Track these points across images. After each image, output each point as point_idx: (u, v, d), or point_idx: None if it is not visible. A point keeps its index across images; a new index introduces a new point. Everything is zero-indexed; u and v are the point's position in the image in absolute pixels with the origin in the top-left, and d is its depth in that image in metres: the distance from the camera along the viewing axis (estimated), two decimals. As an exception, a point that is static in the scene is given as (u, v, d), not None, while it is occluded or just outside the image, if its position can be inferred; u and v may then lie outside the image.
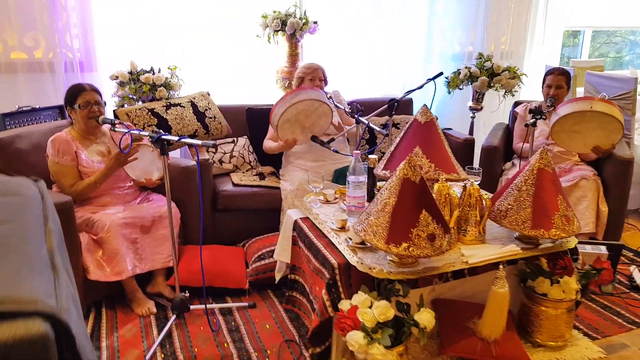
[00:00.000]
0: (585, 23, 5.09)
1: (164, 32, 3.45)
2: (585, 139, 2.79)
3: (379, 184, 2.43)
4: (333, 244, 2.03)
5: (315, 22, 3.51)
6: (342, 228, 2.14)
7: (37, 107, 2.95)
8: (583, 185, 2.88)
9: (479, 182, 2.36)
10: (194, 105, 3.10)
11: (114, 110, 2.94)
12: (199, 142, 1.85)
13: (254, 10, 3.53)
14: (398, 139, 2.23)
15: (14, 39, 3.18)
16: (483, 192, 2.43)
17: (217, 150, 3.12)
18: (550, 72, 3.05)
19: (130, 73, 3.08)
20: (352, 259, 1.89)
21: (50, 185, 2.44)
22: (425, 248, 1.75)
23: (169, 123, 2.94)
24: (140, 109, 2.93)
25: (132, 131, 2.14)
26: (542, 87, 3.12)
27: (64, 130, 2.46)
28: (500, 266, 1.92)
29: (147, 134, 2.04)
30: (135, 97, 3.06)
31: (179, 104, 3.05)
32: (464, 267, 1.91)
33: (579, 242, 2.36)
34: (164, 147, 2.01)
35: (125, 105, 3.06)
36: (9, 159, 2.39)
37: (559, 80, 3.01)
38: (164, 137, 1.96)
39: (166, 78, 3.12)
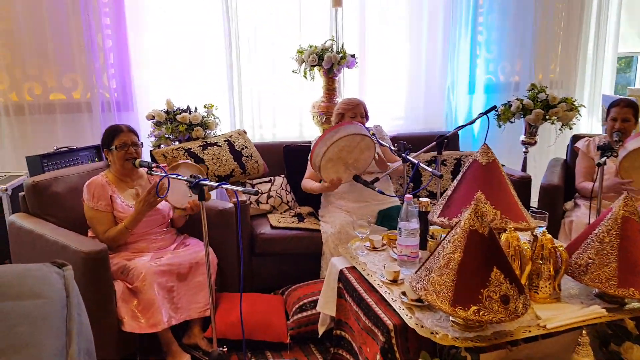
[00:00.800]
0: (638, 47, 4.82)
1: (200, 71, 3.40)
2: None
3: (431, 228, 2.22)
4: (385, 301, 1.82)
5: (353, 56, 3.39)
6: (394, 281, 1.92)
7: (75, 147, 2.90)
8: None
9: (544, 227, 2.12)
10: (230, 144, 2.98)
11: (150, 151, 2.85)
12: (240, 188, 1.70)
13: (289, 46, 3.44)
14: (456, 182, 2.03)
15: (53, 80, 3.18)
16: (557, 241, 2.19)
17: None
18: (615, 103, 2.80)
19: (167, 112, 3.00)
20: (410, 321, 1.66)
21: (86, 231, 2.35)
22: (498, 312, 1.52)
23: (206, 163, 2.82)
24: (177, 149, 2.83)
25: (169, 176, 2.01)
26: (605, 120, 2.87)
27: (101, 174, 2.37)
28: (584, 332, 1.66)
29: (185, 178, 1.90)
30: (171, 137, 2.97)
31: (215, 144, 2.94)
32: (541, 333, 1.65)
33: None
34: (202, 193, 1.87)
35: (162, 146, 2.97)
36: (46, 203, 2.32)
37: (625, 113, 2.76)
38: (202, 182, 1.82)
39: (203, 117, 3.03)
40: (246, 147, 3.04)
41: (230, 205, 2.52)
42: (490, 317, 1.50)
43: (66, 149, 2.89)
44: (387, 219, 2.75)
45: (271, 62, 3.54)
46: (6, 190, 2.86)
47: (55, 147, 2.93)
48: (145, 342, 2.24)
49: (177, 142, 2.98)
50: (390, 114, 3.75)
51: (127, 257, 2.28)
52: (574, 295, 1.85)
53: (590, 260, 1.76)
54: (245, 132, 3.17)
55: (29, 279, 0.58)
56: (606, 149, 2.38)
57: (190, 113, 3.01)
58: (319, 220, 2.89)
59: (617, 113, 2.77)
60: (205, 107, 3.11)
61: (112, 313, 2.09)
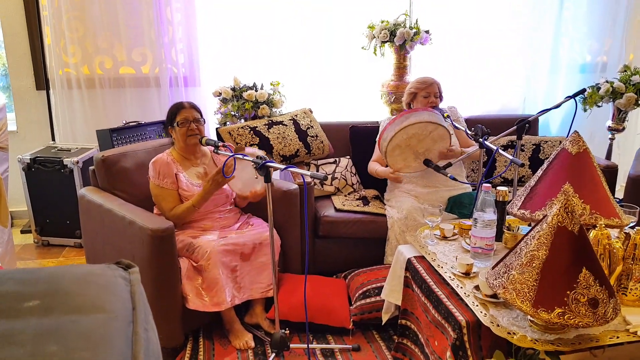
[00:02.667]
0: None
1: (267, 47, 3.37)
2: None
3: (507, 218, 2.09)
4: (457, 294, 1.73)
5: (427, 32, 3.22)
6: (467, 274, 1.83)
7: (143, 122, 2.97)
8: None
9: (635, 222, 1.94)
10: (295, 124, 2.95)
11: (216, 129, 2.87)
12: (307, 172, 1.65)
13: (358, 22, 3.33)
14: (540, 172, 1.88)
15: (123, 54, 3.26)
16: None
17: (318, 171, 2.94)
18: None
19: (233, 89, 3.00)
20: (485, 319, 1.57)
21: (152, 208, 2.40)
22: (585, 316, 1.40)
23: (271, 142, 2.81)
24: (242, 128, 2.83)
25: (236, 155, 2.00)
26: None
27: (165, 152, 2.40)
28: (681, 342, 1.50)
29: (251, 159, 1.89)
30: (237, 115, 2.98)
31: (281, 122, 2.91)
32: (630, 341, 1.51)
33: None
34: (268, 175, 1.85)
35: (228, 123, 2.98)
36: (115, 178, 2.38)
37: None
38: (269, 164, 1.80)
39: (269, 95, 3.01)
40: (312, 126, 2.99)
41: (295, 186, 2.50)
42: (576, 322, 1.39)
43: (135, 123, 2.97)
44: (458, 206, 2.63)
45: (340, 38, 3.44)
46: (77, 162, 3.00)
47: (124, 122, 3.02)
48: (208, 319, 2.29)
49: (242, 120, 2.99)
50: (466, 95, 3.56)
51: (193, 234, 2.31)
52: (670, 301, 1.68)
53: (693, 265, 1.58)
54: (311, 111, 3.13)
55: (91, 287, 0.50)
56: None
57: (256, 90, 3.00)
58: (385, 205, 2.81)
59: None
60: (271, 84, 3.08)
61: (177, 290, 2.13)
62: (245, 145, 2.78)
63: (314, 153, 2.95)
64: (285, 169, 1.77)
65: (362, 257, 2.69)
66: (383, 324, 2.22)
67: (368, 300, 2.31)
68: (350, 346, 2.20)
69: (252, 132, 2.82)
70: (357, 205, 2.77)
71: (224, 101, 3.03)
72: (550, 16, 3.52)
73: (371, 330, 2.33)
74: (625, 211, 1.96)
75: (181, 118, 2.33)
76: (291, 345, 2.09)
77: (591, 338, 1.50)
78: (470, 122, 2.97)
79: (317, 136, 2.97)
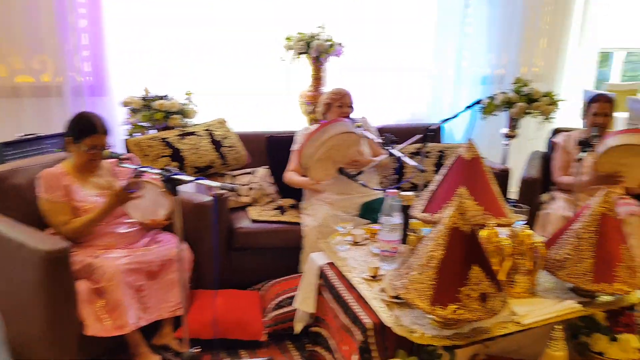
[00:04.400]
0: (618, 44, 4.85)
1: (181, 56, 3.29)
2: (631, 172, 2.58)
3: (412, 221, 2.19)
4: (365, 298, 1.79)
5: (340, 44, 3.33)
6: (374, 277, 1.90)
7: (42, 135, 2.77)
8: (631, 222, 2.62)
9: (525, 221, 2.11)
10: (210, 134, 2.90)
11: (125, 140, 2.76)
12: (217, 184, 1.63)
13: (274, 32, 3.36)
14: (440, 177, 2.00)
15: (20, 62, 3.03)
16: (535, 237, 2.18)
17: (234, 182, 2.91)
18: (596, 99, 2.81)
19: (144, 99, 2.90)
20: (388, 320, 1.64)
21: (44, 228, 2.21)
22: (476, 310, 1.51)
23: (183, 154, 2.74)
24: (152, 139, 2.74)
25: (140, 168, 1.94)
26: (585, 115, 2.88)
27: (56, 165, 2.24)
28: (558, 326, 1.66)
29: (157, 171, 1.83)
30: (147, 125, 2.88)
31: (194, 133, 2.86)
32: (517, 330, 1.65)
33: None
34: (175, 188, 1.79)
35: (137, 134, 2.87)
36: (5, 196, 2.17)
37: (605, 108, 2.77)
38: (176, 176, 1.75)
39: (181, 104, 2.94)
40: (227, 136, 2.96)
41: (208, 198, 2.45)
42: (468, 316, 1.49)
43: (33, 136, 2.76)
44: (371, 211, 2.72)
45: (257, 48, 3.45)
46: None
47: (19, 134, 2.79)
48: (112, 343, 2.15)
49: (152, 131, 2.89)
50: (376, 106, 3.70)
51: (93, 254, 2.16)
52: (550, 290, 1.85)
53: (567, 257, 1.76)
54: (225, 121, 3.09)
55: None
56: (586, 144, 2.39)
57: (168, 100, 2.92)
58: (302, 213, 2.84)
59: (598, 108, 2.77)
60: (186, 93, 3.02)
61: (73, 316, 1.98)
62: (156, 159, 2.69)
63: (230, 164, 2.92)
64: (193, 181, 1.74)
65: (279, 267, 2.69)
66: (297, 333, 2.23)
67: (282, 310, 2.31)
68: (263, 359, 2.19)
69: (163, 143, 2.74)
70: (274, 215, 2.78)
71: (134, 111, 2.92)
72: (454, 31, 3.77)
73: (285, 341, 2.33)
74: (516, 211, 2.14)
75: (91, 143, 2.18)
76: (203, 363, 2.04)
77: (483, 331, 1.61)
78: (382, 132, 3.09)
79: (232, 146, 2.94)
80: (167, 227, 2.42)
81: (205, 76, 3.36)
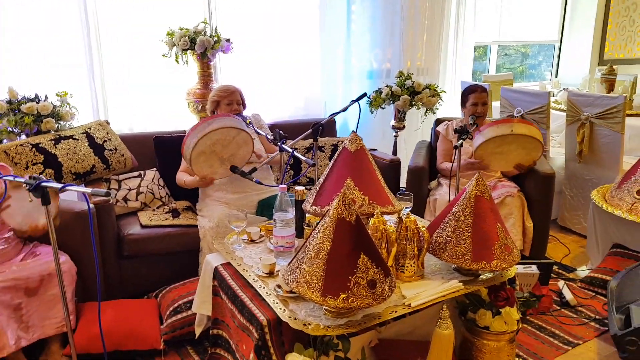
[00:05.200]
0: (491, 38, 5.31)
1: (53, 55, 3.00)
2: (507, 158, 2.83)
3: (308, 215, 2.22)
4: (260, 295, 1.78)
5: (228, 40, 3.25)
6: (271, 273, 1.89)
7: None
8: (508, 203, 2.87)
9: (410, 207, 2.23)
10: (89, 137, 2.69)
11: (-12, 147, 2.46)
12: (88, 190, 1.51)
13: (159, 27, 3.19)
14: (327, 170, 2.03)
15: None
16: (419, 221, 2.31)
17: (121, 187, 2.74)
18: (472, 89, 3.04)
19: (9, 102, 2.61)
20: (284, 314, 1.64)
21: None
22: (366, 297, 1.56)
23: (59, 159, 2.52)
24: (21, 145, 2.47)
25: (5, 177, 1.74)
26: (463, 105, 3.09)
27: None
28: (444, 306, 1.78)
29: (23, 180, 1.66)
30: (17, 131, 2.60)
31: (71, 137, 2.63)
32: (407, 312, 1.73)
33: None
34: (45, 196, 1.64)
35: (5, 141, 2.58)
36: None
37: (483, 97, 3.01)
38: (44, 184, 1.60)
39: (54, 106, 2.69)
40: (109, 139, 2.77)
41: (90, 206, 2.28)
42: (358, 303, 1.53)
43: None
44: (268, 208, 2.70)
45: (139, 45, 3.25)
46: None
47: None
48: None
49: (23, 136, 2.62)
50: (270, 103, 3.68)
51: (-40, 274, 1.95)
52: (436, 271, 1.97)
53: (448, 238, 1.88)
54: (108, 123, 2.89)
55: None
56: (463, 132, 2.57)
57: (38, 102, 2.65)
58: (197, 215, 2.75)
59: (476, 98, 2.99)
60: (57, 95, 2.76)
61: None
62: (27, 167, 2.44)
63: (114, 168, 2.74)
64: (63, 187, 1.59)
65: (177, 272, 2.59)
66: (197, 337, 2.16)
67: (179, 315, 2.22)
68: (162, 367, 2.10)
69: (34, 149, 2.48)
70: (166, 219, 2.66)
71: (-1, 116, 2.62)
72: (341, 28, 3.87)
73: (186, 346, 2.26)
74: (403, 198, 2.25)
75: None
76: (93, 381, 1.90)
77: (375, 316, 1.67)
78: (276, 128, 3.08)
79: (116, 149, 2.76)
80: (47, 240, 2.22)
81: (84, 76, 3.11)
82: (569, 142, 3.50)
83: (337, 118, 3.63)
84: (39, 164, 2.45)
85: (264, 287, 1.80)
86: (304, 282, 1.57)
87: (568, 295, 2.66)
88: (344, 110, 2.63)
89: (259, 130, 2.72)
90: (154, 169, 2.91)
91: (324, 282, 1.54)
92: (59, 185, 1.57)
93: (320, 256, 1.57)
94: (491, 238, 1.86)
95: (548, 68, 6.01)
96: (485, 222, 1.88)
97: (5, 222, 2.11)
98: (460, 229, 1.87)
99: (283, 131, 2.60)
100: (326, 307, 1.64)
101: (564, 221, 3.63)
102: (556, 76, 5.73)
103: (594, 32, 5.65)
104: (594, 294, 2.75)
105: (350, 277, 1.55)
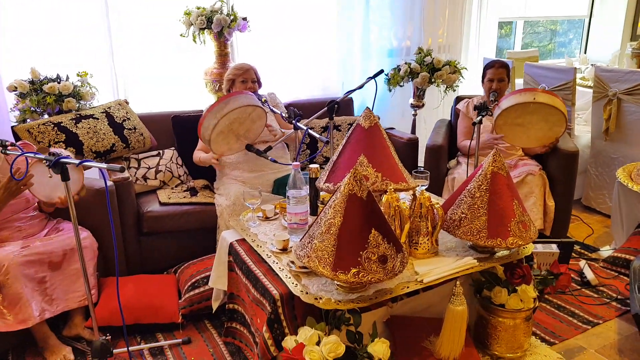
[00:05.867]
0: (517, 14, 5.14)
1: (73, 36, 3.04)
2: (528, 132, 2.73)
3: (322, 193, 2.22)
4: (274, 271, 1.80)
5: (244, 19, 3.24)
6: (284, 249, 1.91)
7: None
8: (530, 181, 2.81)
9: (426, 185, 2.21)
10: (109, 116, 2.74)
11: (12, 127, 2.54)
12: (103, 165, 1.55)
13: (178, 7, 3.20)
14: (340, 147, 2.02)
15: None
16: (434, 198, 2.28)
17: (140, 166, 2.79)
18: (490, 65, 2.96)
19: (32, 82, 2.67)
20: (296, 289, 1.66)
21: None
22: (376, 272, 1.55)
23: (80, 138, 2.57)
24: (44, 124, 2.54)
25: (26, 154, 1.79)
26: (483, 82, 3.02)
27: None
28: (457, 282, 1.76)
29: (43, 157, 1.70)
30: (39, 110, 2.66)
31: (91, 116, 2.68)
32: (419, 288, 1.73)
33: (531, 242, 2.25)
34: (65, 172, 1.68)
35: (28, 120, 2.65)
36: None
37: (500, 74, 2.92)
38: (62, 160, 1.64)
39: (75, 86, 2.74)
40: (128, 118, 2.81)
41: (109, 183, 2.33)
42: (369, 278, 1.54)
43: None
44: (284, 187, 2.69)
45: (158, 25, 3.26)
46: None
47: None
48: (17, 340, 2.05)
49: (46, 116, 2.68)
50: (287, 82, 3.67)
51: (-14, 249, 2.02)
52: (451, 249, 1.95)
53: (463, 215, 1.86)
54: (127, 102, 2.93)
55: None
56: (482, 109, 2.51)
57: (59, 82, 2.71)
58: (214, 194, 2.78)
59: (492, 74, 2.92)
60: (78, 75, 2.81)
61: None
62: (50, 146, 2.51)
63: (134, 147, 2.79)
64: (80, 163, 1.63)
65: (194, 249, 2.64)
66: (214, 311, 2.21)
67: (197, 290, 2.27)
68: (180, 340, 2.15)
69: (56, 128, 2.54)
70: (184, 197, 2.70)
71: (22, 96, 2.68)
72: (359, 4, 3.80)
73: (203, 320, 2.31)
74: (419, 176, 2.22)
75: None
76: (114, 351, 1.96)
77: (387, 291, 1.67)
78: (294, 106, 3.07)
79: (135, 128, 2.80)
80: (69, 216, 2.27)
81: (104, 56, 3.15)
82: (595, 120, 3.39)
83: (356, 97, 3.59)
84: (61, 143, 2.51)
85: (277, 263, 1.82)
86: (315, 257, 1.58)
87: (589, 274, 2.60)
88: (360, 87, 2.60)
89: (274, 109, 2.72)
90: (173, 148, 2.95)
91: (335, 257, 1.55)
92: (77, 161, 1.60)
93: (332, 231, 1.57)
94: (507, 215, 1.82)
95: (578, 45, 5.80)
96: (502, 198, 1.84)
97: (32, 197, 2.17)
98: (476, 206, 1.84)
99: (300, 110, 2.59)
100: (338, 282, 1.65)
101: (589, 201, 3.54)
102: (585, 52, 5.53)
103: (627, 6, 5.40)
104: (616, 274, 2.69)
105: (361, 252, 1.55)
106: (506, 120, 2.66)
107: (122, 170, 1.49)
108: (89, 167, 1.63)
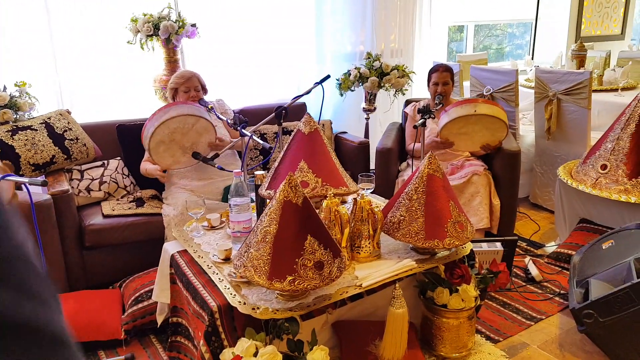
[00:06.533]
0: (467, 18, 5.27)
1: (10, 44, 2.93)
2: (472, 139, 2.82)
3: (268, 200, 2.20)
4: (214, 282, 1.77)
5: (193, 25, 3.19)
6: (227, 259, 1.88)
7: None
8: (475, 181, 2.88)
9: (372, 189, 2.22)
10: (49, 127, 2.65)
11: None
12: (25, 179, 1.49)
13: (123, 13, 3.13)
14: (282, 153, 2.02)
15: None
16: (376, 200, 2.31)
17: (84, 177, 2.71)
18: (434, 69, 3.02)
19: (-37, 93, 2.56)
20: (234, 300, 1.64)
21: None
22: (312, 279, 1.55)
23: (17, 150, 2.48)
24: (-24, 137, 2.43)
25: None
26: (428, 85, 3.08)
27: None
28: (397, 284, 1.78)
29: (-36, 172, 1.63)
30: (-28, 123, 2.55)
31: (29, 127, 2.59)
32: (358, 292, 1.73)
33: (474, 241, 2.30)
34: (-12, 188, 1.61)
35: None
36: None
37: (444, 77, 2.98)
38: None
39: (12, 97, 2.64)
40: (70, 128, 2.73)
41: (46, 197, 2.26)
42: (305, 285, 1.53)
43: None
44: (234, 194, 2.69)
45: (105, 32, 3.18)
46: None
47: None
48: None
49: (-20, 129, 2.57)
50: (240, 88, 3.63)
51: None
52: (393, 251, 1.97)
53: (402, 218, 1.88)
54: (69, 112, 2.84)
55: None
56: (425, 112, 2.56)
57: (-5, 94, 2.60)
58: (163, 203, 2.73)
59: (437, 78, 2.98)
60: (16, 85, 2.71)
61: None
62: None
63: (76, 158, 2.70)
64: (0, 179, 1.57)
65: (141, 261, 2.57)
66: (159, 326, 2.16)
67: (140, 305, 2.22)
68: (123, 357, 2.09)
69: (-10, 141, 2.45)
70: (129, 209, 2.63)
71: (-47, 108, 2.56)
72: (311, 10, 3.81)
73: (149, 335, 2.25)
74: (363, 180, 2.24)
75: None
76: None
77: (326, 297, 1.67)
78: (245, 113, 3.05)
79: (77, 139, 2.72)
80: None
81: (44, 65, 3.05)
82: (537, 120, 3.50)
83: (310, 102, 3.59)
84: (-5, 157, 2.41)
85: (217, 274, 1.79)
86: (251, 266, 1.56)
87: (534, 271, 2.68)
88: (307, 92, 2.61)
89: (221, 116, 2.70)
90: (118, 158, 2.88)
91: (271, 266, 1.54)
92: (-2, 176, 1.54)
93: (267, 240, 1.56)
94: (444, 216, 1.86)
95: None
96: (438, 200, 1.88)
97: None
98: (413, 208, 1.87)
99: (252, 116, 2.58)
100: (275, 291, 1.64)
101: (536, 198, 3.65)
102: (531, 54, 5.71)
103: (570, 9, 5.62)
104: (560, 269, 2.78)
105: (296, 260, 1.54)
106: (450, 131, 2.74)
107: (44, 184, 1.44)
108: (12, 182, 1.56)
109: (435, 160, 1.92)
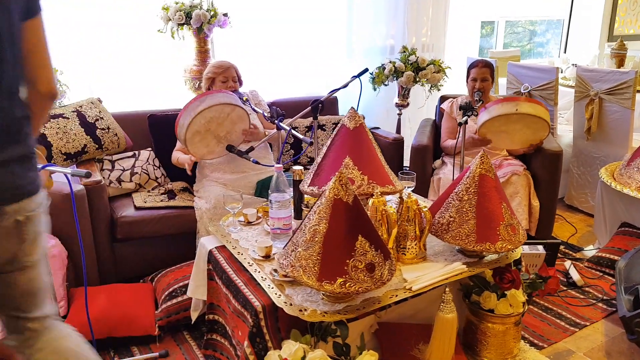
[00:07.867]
0: (498, 14, 5.14)
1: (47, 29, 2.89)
2: (512, 137, 2.72)
3: (307, 196, 2.14)
4: (255, 280, 1.71)
5: (225, 15, 3.13)
6: (267, 257, 1.82)
7: None
8: (514, 182, 2.78)
9: (413, 187, 2.15)
10: (80, 116, 2.60)
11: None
12: (68, 170, 1.43)
13: (155, 1, 3.08)
14: (325, 149, 1.94)
15: None
16: (421, 200, 2.23)
17: (115, 168, 2.66)
18: (474, 64, 2.92)
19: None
20: (279, 300, 1.57)
21: None
22: (364, 281, 1.48)
23: (49, 139, 2.43)
24: (9, 124, 2.39)
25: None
26: (467, 81, 2.99)
27: None
28: (447, 289, 1.70)
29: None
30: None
31: (61, 115, 2.54)
32: (408, 296, 1.66)
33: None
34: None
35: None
36: None
37: (483, 73, 2.88)
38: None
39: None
40: (101, 117, 2.68)
41: (79, 187, 2.21)
42: (356, 288, 1.46)
43: None
44: (267, 189, 2.61)
45: (135, 21, 3.12)
46: None
47: None
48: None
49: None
50: (270, 80, 3.56)
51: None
52: (439, 253, 1.90)
53: (451, 219, 1.80)
54: (100, 101, 2.80)
55: None
56: (467, 109, 2.46)
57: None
58: (194, 196, 2.68)
59: (476, 73, 2.88)
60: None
61: None
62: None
63: (107, 148, 2.66)
64: (42, 168, 1.51)
65: (172, 255, 2.53)
66: (193, 322, 2.11)
67: (175, 300, 2.17)
68: (157, 353, 2.04)
69: (23, 129, 2.40)
70: (161, 201, 2.58)
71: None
72: (342, 3, 3.73)
73: (182, 331, 2.20)
74: (404, 178, 2.16)
75: None
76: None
77: (374, 301, 1.60)
78: (276, 106, 2.98)
79: (108, 128, 2.67)
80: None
81: (76, 53, 3.01)
82: (577, 119, 3.39)
83: (340, 96, 3.51)
84: (28, 145, 2.37)
85: (259, 271, 1.73)
86: (299, 266, 1.50)
87: (575, 275, 2.58)
88: (345, 86, 2.52)
89: (256, 108, 2.63)
90: (149, 149, 2.83)
91: (320, 266, 1.47)
92: (39, 166, 1.49)
93: (316, 239, 1.49)
94: (496, 218, 1.77)
95: (556, 46, 5.84)
96: (490, 201, 1.79)
97: None
98: (464, 209, 1.79)
99: (283, 109, 2.51)
100: (322, 292, 1.57)
101: (571, 200, 3.54)
102: (565, 53, 5.57)
103: (604, 8, 5.45)
104: (601, 274, 2.68)
105: (347, 261, 1.48)
106: (489, 129, 2.64)
107: (87, 175, 1.38)
108: (53, 172, 1.51)
109: (488, 159, 1.83)
